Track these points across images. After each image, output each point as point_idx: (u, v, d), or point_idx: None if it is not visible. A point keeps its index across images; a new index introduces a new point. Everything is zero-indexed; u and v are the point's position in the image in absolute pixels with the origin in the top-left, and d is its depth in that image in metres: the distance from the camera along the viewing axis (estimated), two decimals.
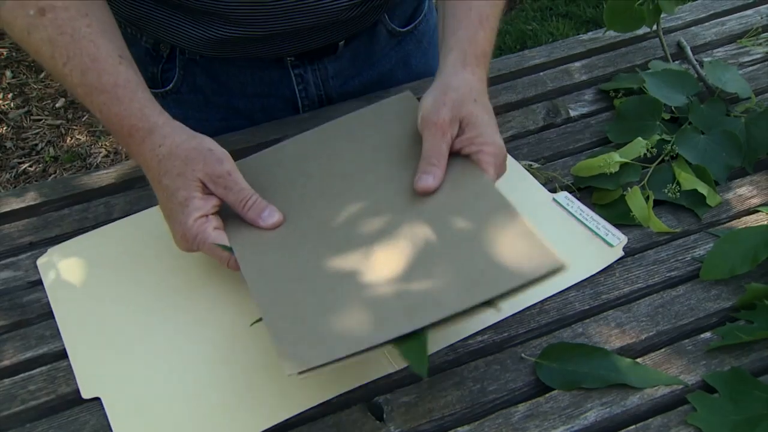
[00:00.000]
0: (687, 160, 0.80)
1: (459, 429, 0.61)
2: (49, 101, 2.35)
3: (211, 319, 0.70)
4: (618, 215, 0.77)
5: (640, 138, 0.80)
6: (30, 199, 0.83)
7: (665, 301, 0.70)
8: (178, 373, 0.66)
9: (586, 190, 0.80)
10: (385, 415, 0.62)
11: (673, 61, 0.94)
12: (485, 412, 0.63)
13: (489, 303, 0.59)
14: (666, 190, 0.78)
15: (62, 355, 0.68)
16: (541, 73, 0.96)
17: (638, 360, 0.65)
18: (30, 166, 2.14)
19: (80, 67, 0.67)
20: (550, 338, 0.67)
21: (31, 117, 2.29)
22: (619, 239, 0.74)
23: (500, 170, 0.69)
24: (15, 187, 2.06)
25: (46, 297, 0.73)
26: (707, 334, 0.67)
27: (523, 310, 0.69)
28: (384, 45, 0.94)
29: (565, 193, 0.79)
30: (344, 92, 0.94)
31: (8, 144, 2.20)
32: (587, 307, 0.70)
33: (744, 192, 0.80)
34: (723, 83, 0.88)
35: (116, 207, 0.81)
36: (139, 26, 0.87)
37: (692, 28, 1.02)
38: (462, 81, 0.70)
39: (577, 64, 0.98)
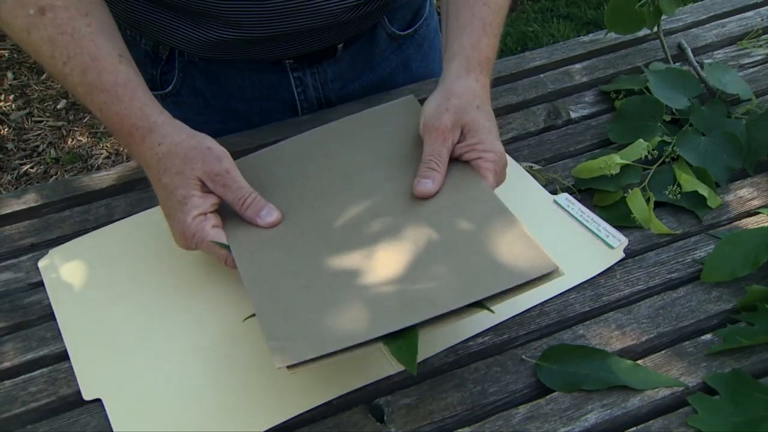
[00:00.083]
0: (688, 162, 0.80)
1: (459, 431, 0.61)
2: (51, 103, 2.35)
3: (213, 320, 0.70)
4: (619, 217, 0.77)
5: (641, 140, 0.80)
6: (31, 200, 0.83)
7: (666, 303, 0.70)
8: (179, 375, 0.66)
9: (587, 192, 0.80)
10: (385, 417, 0.62)
11: (674, 62, 0.94)
12: (486, 414, 0.63)
13: (482, 304, 0.59)
14: (667, 192, 0.78)
15: (63, 356, 0.68)
16: (542, 75, 0.96)
17: (639, 362, 0.65)
18: (31, 167, 2.14)
19: (80, 66, 0.67)
20: (550, 340, 0.67)
21: (33, 118, 2.30)
22: (619, 241, 0.74)
23: (500, 177, 0.70)
24: (16, 188, 2.06)
25: (47, 298, 0.73)
26: (708, 336, 0.67)
27: (523, 311, 0.69)
28: (384, 49, 0.94)
29: (566, 195, 0.79)
30: (344, 95, 0.94)
31: (9, 145, 2.21)
32: (588, 308, 0.70)
33: (745, 194, 0.80)
34: (723, 85, 0.88)
35: (117, 208, 0.81)
36: (138, 28, 0.87)
37: (693, 29, 1.02)
38: (465, 87, 0.70)
39: (578, 65, 0.98)
